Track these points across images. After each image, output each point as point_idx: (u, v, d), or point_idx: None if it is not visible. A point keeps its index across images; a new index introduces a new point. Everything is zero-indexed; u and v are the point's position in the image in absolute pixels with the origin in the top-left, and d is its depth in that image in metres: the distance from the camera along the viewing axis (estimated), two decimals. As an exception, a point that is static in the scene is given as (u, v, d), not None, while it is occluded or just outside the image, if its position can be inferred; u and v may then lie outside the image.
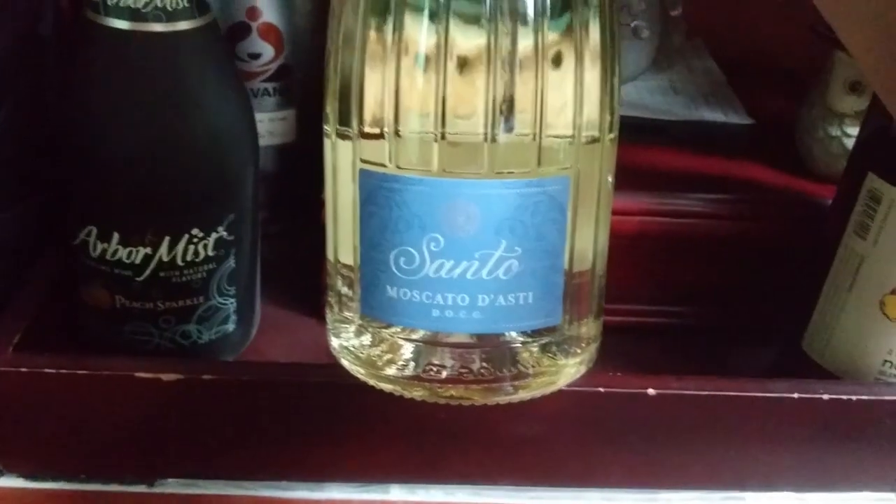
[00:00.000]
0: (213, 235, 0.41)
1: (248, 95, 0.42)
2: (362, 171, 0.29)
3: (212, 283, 0.42)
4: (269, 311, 0.49)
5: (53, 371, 0.37)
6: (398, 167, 0.28)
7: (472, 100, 0.27)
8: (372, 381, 0.33)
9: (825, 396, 0.39)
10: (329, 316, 0.35)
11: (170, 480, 0.41)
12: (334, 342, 0.35)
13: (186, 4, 0.37)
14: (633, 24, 0.52)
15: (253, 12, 0.50)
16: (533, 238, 0.28)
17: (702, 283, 0.50)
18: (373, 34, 0.28)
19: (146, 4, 0.36)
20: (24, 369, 0.37)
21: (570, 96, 0.28)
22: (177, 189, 0.39)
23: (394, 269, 0.29)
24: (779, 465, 0.41)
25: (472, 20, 0.26)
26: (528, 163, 0.28)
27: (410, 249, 0.29)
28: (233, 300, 0.44)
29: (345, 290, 0.32)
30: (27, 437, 0.39)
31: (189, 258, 0.40)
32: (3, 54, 0.39)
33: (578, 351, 0.34)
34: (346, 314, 0.33)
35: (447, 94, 0.26)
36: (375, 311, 0.31)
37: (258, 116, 0.45)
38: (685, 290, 0.50)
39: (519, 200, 0.27)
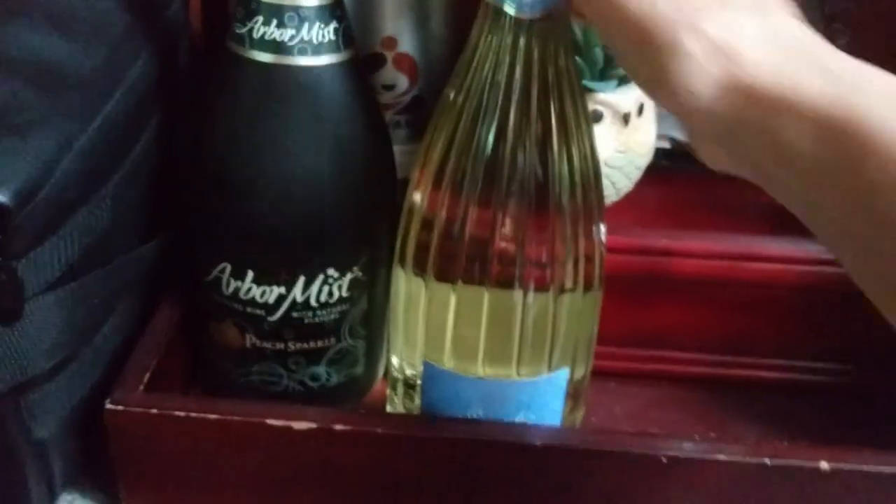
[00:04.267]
0: (349, 276, 0.39)
1: (388, 130, 0.40)
2: (426, 363, 0.38)
3: (344, 324, 0.40)
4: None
5: (183, 414, 0.36)
6: (453, 365, 0.38)
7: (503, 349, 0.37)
8: None
9: None
10: (391, 395, 0.42)
11: (295, 531, 0.39)
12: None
13: (332, 38, 0.35)
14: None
15: (389, 42, 0.48)
16: (542, 406, 0.38)
17: (872, 341, 0.45)
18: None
19: (292, 38, 0.35)
20: (154, 411, 0.36)
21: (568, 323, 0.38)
22: (315, 227, 0.37)
23: None
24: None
25: (505, 290, 0.36)
26: (542, 371, 0.38)
27: (459, 413, 0.38)
28: (363, 342, 0.42)
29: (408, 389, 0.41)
30: (153, 478, 0.38)
31: (323, 299, 0.39)
32: (142, 87, 0.38)
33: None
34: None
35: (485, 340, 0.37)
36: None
37: (389, 150, 0.44)
38: (851, 347, 0.46)
39: (533, 390, 0.38)
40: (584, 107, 0.36)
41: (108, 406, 0.36)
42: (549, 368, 0.37)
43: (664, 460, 0.35)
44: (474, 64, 0.34)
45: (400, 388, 0.41)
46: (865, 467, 0.35)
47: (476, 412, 0.37)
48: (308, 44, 0.35)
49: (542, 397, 0.37)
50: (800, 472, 0.35)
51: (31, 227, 0.30)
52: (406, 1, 0.48)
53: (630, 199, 0.46)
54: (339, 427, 0.36)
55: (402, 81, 0.49)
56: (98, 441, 0.38)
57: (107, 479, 0.40)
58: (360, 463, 0.36)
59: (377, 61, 0.48)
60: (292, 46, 0.35)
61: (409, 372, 0.40)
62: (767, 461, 0.35)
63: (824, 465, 0.35)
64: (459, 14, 0.49)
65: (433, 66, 0.50)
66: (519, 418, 0.37)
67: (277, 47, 0.35)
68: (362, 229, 0.39)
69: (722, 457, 0.35)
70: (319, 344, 0.40)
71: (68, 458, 0.38)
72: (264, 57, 0.35)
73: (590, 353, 0.40)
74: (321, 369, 0.41)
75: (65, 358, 0.34)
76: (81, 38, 0.36)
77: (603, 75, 0.42)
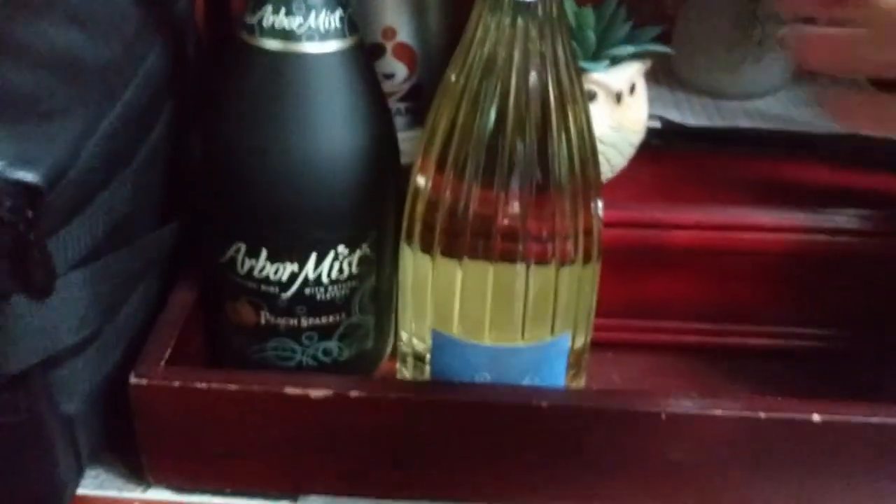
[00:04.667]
0: (358, 253, 0.41)
1: (391, 114, 0.42)
2: (435, 332, 0.40)
3: (354, 300, 0.42)
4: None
5: (205, 386, 0.38)
6: (461, 335, 0.39)
7: (507, 320, 0.39)
8: None
9: None
10: (400, 368, 0.44)
11: (312, 497, 0.41)
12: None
13: (338, 25, 0.37)
14: (780, 34, 0.50)
15: (388, 32, 0.50)
16: (546, 370, 0.40)
17: (858, 305, 0.47)
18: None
19: (300, 25, 0.36)
20: (176, 383, 0.38)
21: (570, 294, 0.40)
22: (325, 206, 0.39)
23: None
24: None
25: (509, 264, 0.38)
26: (545, 336, 0.39)
27: (467, 378, 0.40)
28: (373, 318, 0.44)
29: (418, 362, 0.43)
30: (175, 450, 0.40)
31: (334, 275, 0.41)
32: (156, 77, 0.40)
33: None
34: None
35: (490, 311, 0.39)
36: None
37: (390, 136, 0.45)
38: (840, 312, 0.48)
39: (538, 354, 0.40)
40: (581, 86, 0.38)
41: (133, 380, 0.38)
42: (552, 334, 0.39)
43: (664, 417, 0.37)
44: (474, 45, 0.36)
45: (410, 362, 0.43)
46: (854, 419, 0.37)
47: (483, 377, 0.39)
48: (315, 31, 0.37)
49: (547, 361, 0.39)
50: (792, 424, 0.37)
51: (61, 206, 0.32)
52: (404, -8, 0.50)
53: (624, 176, 0.48)
54: (354, 394, 0.37)
55: (402, 70, 0.51)
56: (121, 418, 0.40)
57: (130, 455, 0.42)
58: (375, 427, 0.38)
59: (377, 51, 0.50)
60: (300, 34, 0.37)
61: (417, 346, 0.42)
62: (762, 415, 0.37)
63: (816, 417, 0.37)
64: (456, 4, 0.51)
65: (431, 55, 0.52)
66: (525, 382, 0.39)
67: (286, 35, 0.37)
68: (370, 207, 0.40)
69: (718, 412, 0.37)
70: (331, 319, 0.42)
71: (93, 433, 0.40)
72: (273, 45, 0.37)
73: (589, 323, 0.42)
74: (333, 344, 0.43)
75: (90, 335, 0.36)
76: (99, 33, 0.38)
77: (595, 56, 0.44)
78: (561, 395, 0.39)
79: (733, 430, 0.37)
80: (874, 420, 0.37)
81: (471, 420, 0.38)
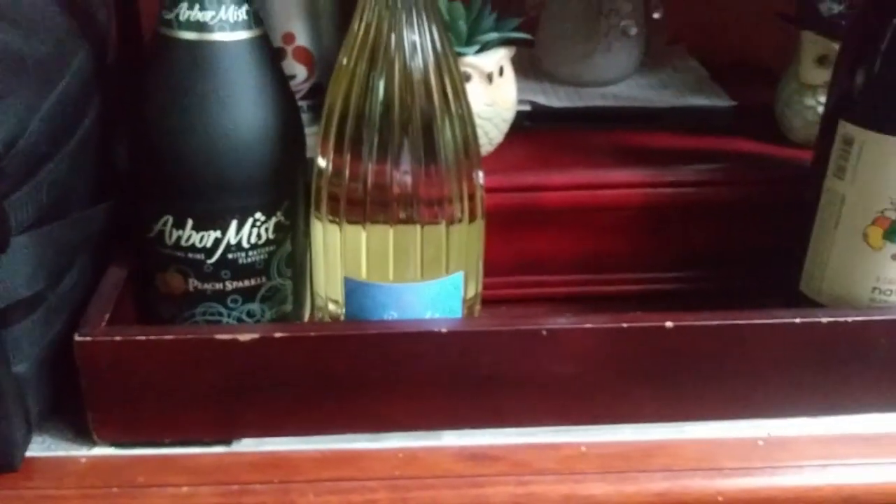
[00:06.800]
0: (273, 219, 0.46)
1: (294, 96, 0.48)
2: (347, 279, 0.46)
3: (273, 263, 0.47)
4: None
5: (143, 338, 0.42)
6: (368, 279, 0.46)
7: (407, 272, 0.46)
8: None
9: (824, 320, 0.44)
10: None
11: (245, 440, 0.45)
12: None
13: (245, 17, 0.43)
14: (622, 24, 0.58)
15: (288, 37, 0.56)
16: (445, 306, 0.46)
17: (703, 247, 0.56)
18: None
19: (212, 17, 0.43)
20: (117, 338, 0.42)
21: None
22: (242, 176, 0.45)
23: None
24: (791, 390, 0.46)
25: (405, 225, 0.44)
26: (441, 274, 0.46)
27: (378, 319, 0.46)
28: (290, 281, 0.49)
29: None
30: (118, 403, 0.44)
31: (253, 240, 0.46)
32: (85, 72, 0.45)
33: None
34: None
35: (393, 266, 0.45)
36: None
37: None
38: (688, 255, 0.56)
39: (436, 290, 0.46)
40: (458, 68, 0.45)
41: (77, 338, 0.42)
42: (447, 273, 0.46)
43: (544, 333, 0.44)
44: (360, 34, 0.43)
45: None
46: (698, 323, 0.44)
47: (391, 316, 0.45)
48: (226, 22, 0.43)
49: (444, 297, 0.46)
50: (650, 331, 0.44)
51: (12, 172, 0.37)
52: (300, 2, 0.56)
53: (502, 150, 0.56)
54: (278, 334, 0.43)
55: (302, 71, 0.57)
56: (66, 387, 0.44)
57: (75, 420, 0.45)
58: (299, 365, 0.43)
59: (279, 55, 0.56)
60: (213, 25, 0.43)
61: (332, 308, 0.48)
62: (624, 325, 0.44)
63: (668, 323, 0.44)
64: (346, 10, 0.58)
65: (327, 55, 0.58)
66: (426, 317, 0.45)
67: (200, 27, 0.43)
68: (281, 177, 0.46)
69: (588, 325, 0.44)
70: (253, 282, 0.47)
71: (41, 397, 0.44)
72: (189, 35, 0.43)
73: (479, 274, 0.49)
74: (256, 306, 0.48)
75: (39, 293, 0.41)
76: (35, 35, 0.42)
77: (467, 43, 0.51)
78: (457, 322, 0.45)
79: (602, 340, 0.44)
80: (713, 323, 0.44)
81: (383, 349, 0.43)
